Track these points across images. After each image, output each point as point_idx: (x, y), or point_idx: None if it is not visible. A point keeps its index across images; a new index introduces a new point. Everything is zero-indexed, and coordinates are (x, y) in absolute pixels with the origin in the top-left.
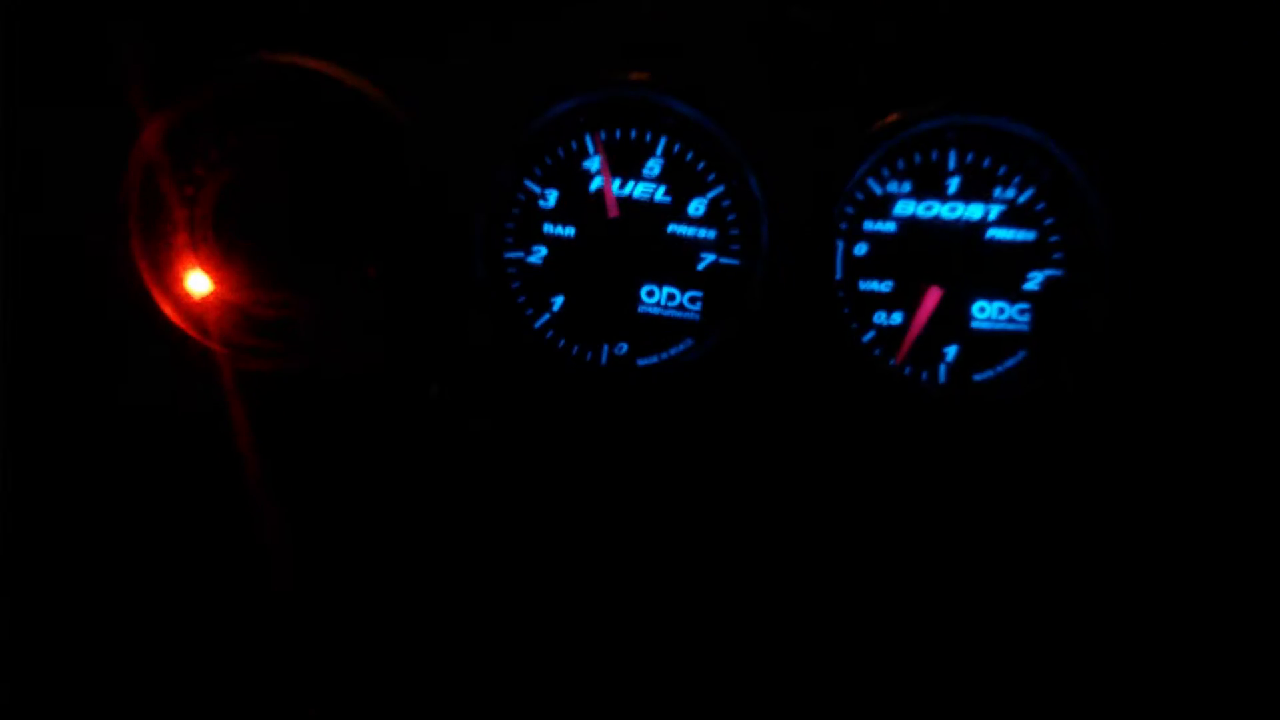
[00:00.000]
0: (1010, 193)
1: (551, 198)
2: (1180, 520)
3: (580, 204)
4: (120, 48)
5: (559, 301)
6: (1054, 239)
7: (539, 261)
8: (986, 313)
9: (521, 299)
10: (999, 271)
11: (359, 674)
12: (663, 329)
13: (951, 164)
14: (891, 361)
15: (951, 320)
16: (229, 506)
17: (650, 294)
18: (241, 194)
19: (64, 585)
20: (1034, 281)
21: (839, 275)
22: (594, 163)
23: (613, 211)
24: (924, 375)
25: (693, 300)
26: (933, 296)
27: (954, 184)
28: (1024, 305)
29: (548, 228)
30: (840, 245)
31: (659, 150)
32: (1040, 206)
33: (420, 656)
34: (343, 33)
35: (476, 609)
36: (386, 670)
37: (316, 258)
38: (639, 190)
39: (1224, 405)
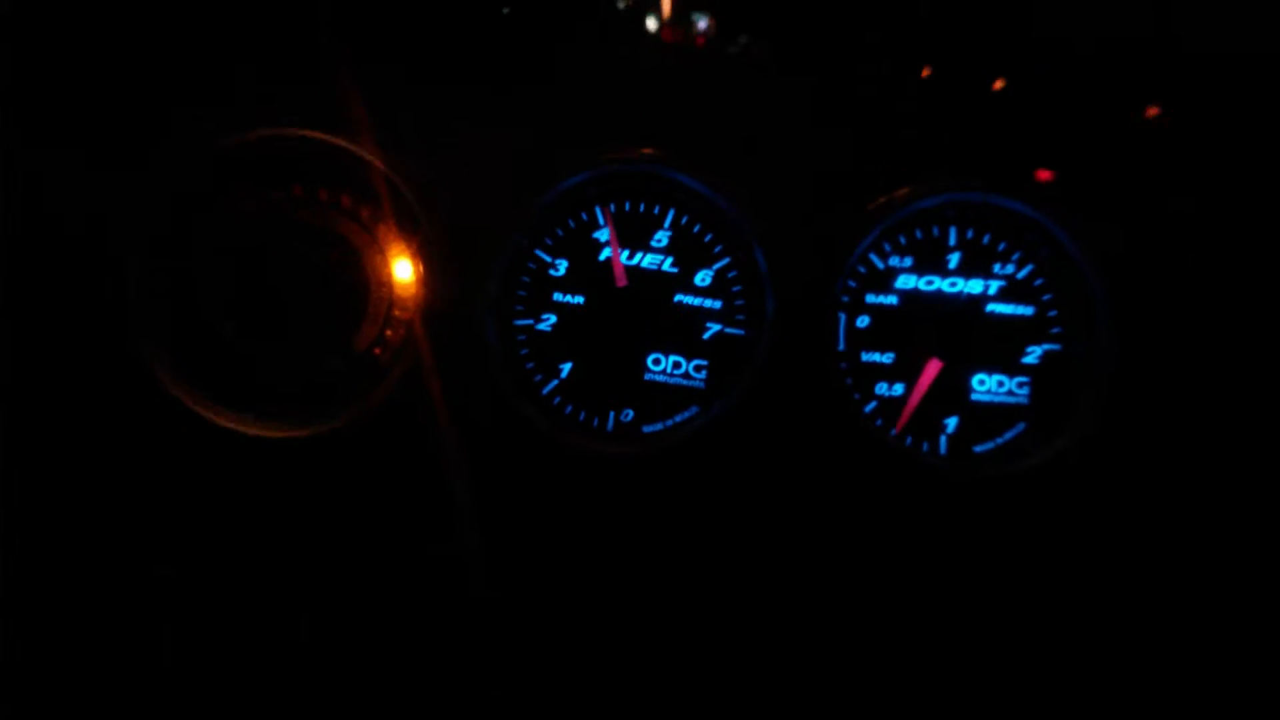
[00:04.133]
0: (1009, 268)
1: (562, 267)
2: (1182, 590)
3: (589, 273)
4: (142, 103)
5: (567, 368)
6: (1052, 314)
7: (548, 329)
8: (986, 385)
9: (530, 365)
10: (998, 345)
11: None
12: (668, 397)
13: (952, 240)
14: (892, 431)
15: (952, 392)
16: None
17: (656, 362)
18: (254, 256)
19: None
20: (1033, 355)
21: (841, 347)
22: (603, 234)
23: (621, 281)
24: (925, 446)
25: (698, 369)
26: (932, 368)
27: (954, 259)
28: (1023, 378)
29: (557, 296)
30: (843, 317)
31: (667, 222)
32: (1039, 282)
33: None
34: (357, 100)
35: (482, 673)
36: None
37: (328, 322)
38: (647, 260)
39: (1223, 477)
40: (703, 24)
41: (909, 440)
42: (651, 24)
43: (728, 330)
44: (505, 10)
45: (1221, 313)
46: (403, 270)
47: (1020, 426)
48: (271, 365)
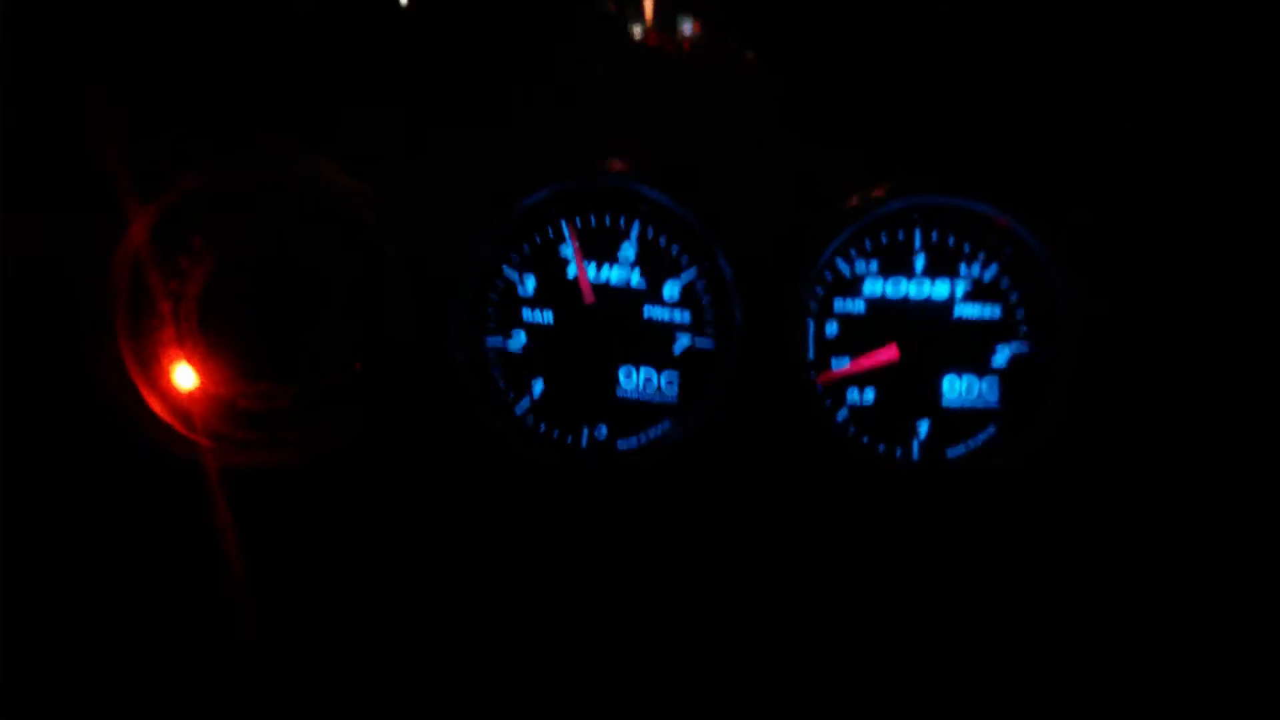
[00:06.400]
0: (975, 269)
1: (529, 284)
2: (1156, 588)
3: (558, 290)
4: (103, 144)
5: (539, 386)
6: (1019, 314)
7: (518, 348)
8: (956, 388)
9: (501, 384)
10: (967, 347)
11: None
12: (641, 411)
13: (917, 243)
14: (819, 387)
15: (922, 397)
16: (213, 607)
17: (628, 377)
18: (225, 286)
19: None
20: (1001, 356)
21: (811, 355)
22: (569, 249)
23: (588, 298)
24: (897, 452)
25: (670, 382)
26: (889, 351)
27: (920, 262)
28: (992, 380)
29: (526, 314)
30: (811, 325)
31: (633, 235)
32: (1005, 283)
33: None
34: (321, 123)
35: (460, 691)
36: None
37: (300, 348)
38: (615, 275)
39: (1193, 471)
40: (687, 28)
41: (881, 447)
42: (637, 31)
43: (698, 342)
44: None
45: (1187, 311)
46: (368, 294)
47: (991, 429)
48: (246, 395)
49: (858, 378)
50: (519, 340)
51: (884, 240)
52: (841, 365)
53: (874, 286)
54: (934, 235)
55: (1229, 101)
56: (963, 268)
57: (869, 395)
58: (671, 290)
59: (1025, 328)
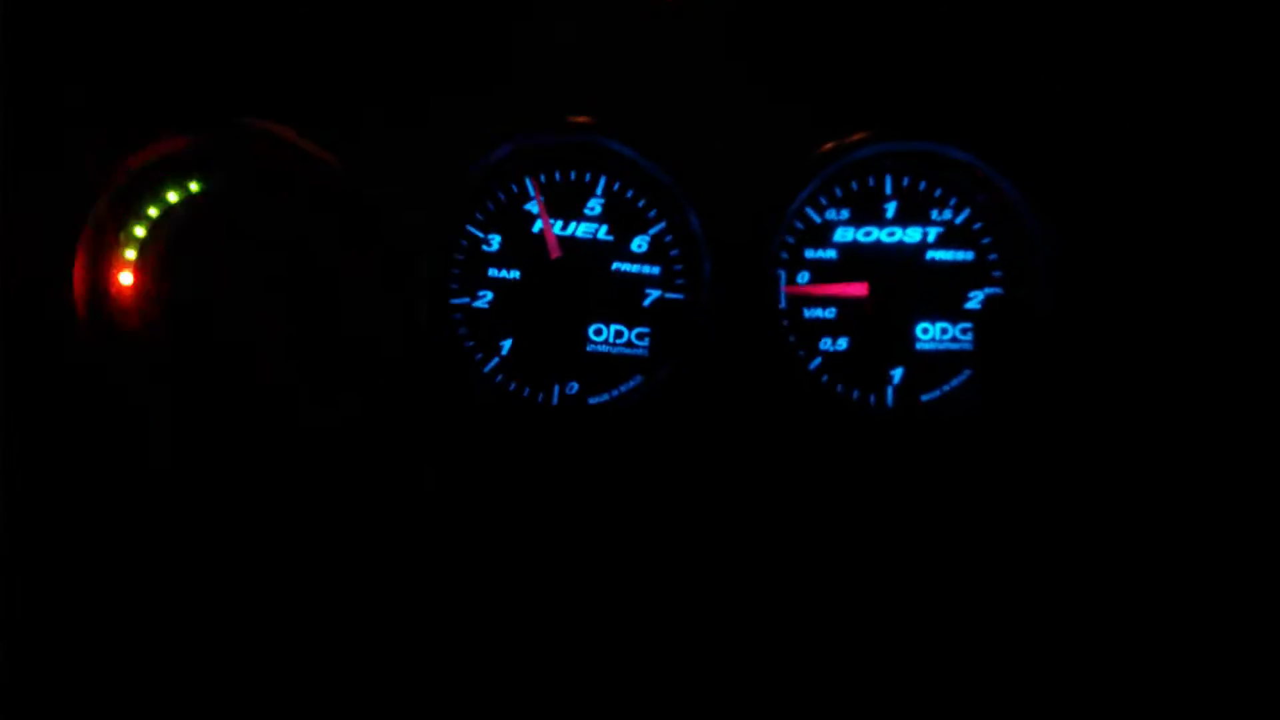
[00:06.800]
0: (947, 214)
1: (495, 242)
2: (1132, 530)
3: (524, 247)
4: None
5: (507, 344)
6: (992, 257)
7: (485, 306)
8: (930, 334)
9: (470, 344)
10: (940, 292)
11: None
12: (612, 366)
13: (888, 189)
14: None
15: (896, 343)
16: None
17: (598, 332)
18: (191, 243)
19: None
20: (974, 300)
21: (783, 305)
22: (534, 205)
23: (554, 253)
24: (872, 398)
25: (640, 337)
26: (859, 287)
27: (891, 209)
28: (966, 324)
29: (492, 272)
30: (782, 275)
31: (599, 190)
32: (977, 226)
33: (388, 702)
34: (284, 87)
35: (442, 649)
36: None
37: (269, 312)
38: (581, 230)
39: (1168, 413)
40: None
41: (856, 393)
42: None
43: (668, 296)
44: None
45: (1161, 247)
46: (335, 257)
47: (965, 373)
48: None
49: (832, 325)
50: (485, 298)
51: (854, 188)
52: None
53: (845, 234)
54: (905, 181)
55: (1206, 46)
56: (934, 213)
57: (842, 343)
58: (640, 244)
59: (998, 272)
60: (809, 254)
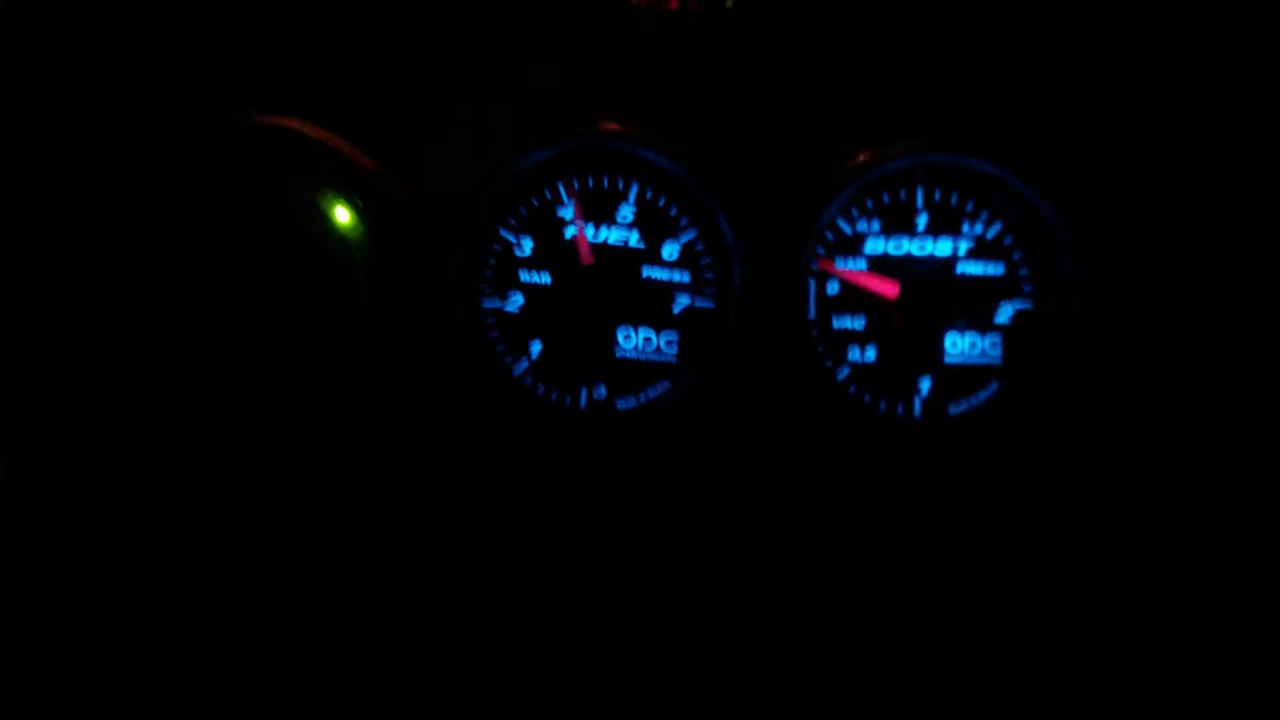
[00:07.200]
0: (978, 228)
1: (527, 246)
2: (1157, 544)
3: (555, 251)
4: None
5: (537, 348)
6: (1022, 272)
7: (516, 309)
8: (959, 346)
9: (500, 347)
10: (970, 305)
11: None
12: (640, 372)
13: (920, 202)
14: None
15: (925, 354)
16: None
17: (627, 337)
18: (225, 244)
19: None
20: (1004, 314)
21: (812, 314)
22: (568, 210)
23: (586, 258)
24: (899, 409)
25: (669, 343)
26: (891, 285)
27: (922, 221)
28: (995, 337)
29: (524, 275)
30: (812, 284)
31: (631, 196)
32: (1008, 241)
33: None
34: (321, 86)
35: (462, 651)
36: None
37: (300, 313)
38: (613, 236)
39: (1198, 430)
40: None
41: (883, 404)
42: None
43: (697, 303)
44: None
45: (1191, 264)
46: (367, 258)
47: (993, 386)
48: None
49: (860, 336)
50: (516, 301)
51: (885, 199)
52: (844, 267)
53: (875, 245)
54: (936, 194)
55: (1239, 67)
56: (965, 226)
57: (870, 353)
58: (670, 250)
59: (1029, 285)
60: (839, 264)
